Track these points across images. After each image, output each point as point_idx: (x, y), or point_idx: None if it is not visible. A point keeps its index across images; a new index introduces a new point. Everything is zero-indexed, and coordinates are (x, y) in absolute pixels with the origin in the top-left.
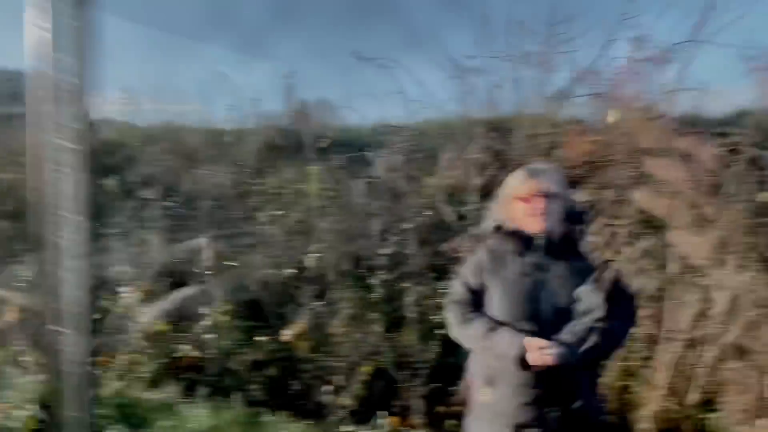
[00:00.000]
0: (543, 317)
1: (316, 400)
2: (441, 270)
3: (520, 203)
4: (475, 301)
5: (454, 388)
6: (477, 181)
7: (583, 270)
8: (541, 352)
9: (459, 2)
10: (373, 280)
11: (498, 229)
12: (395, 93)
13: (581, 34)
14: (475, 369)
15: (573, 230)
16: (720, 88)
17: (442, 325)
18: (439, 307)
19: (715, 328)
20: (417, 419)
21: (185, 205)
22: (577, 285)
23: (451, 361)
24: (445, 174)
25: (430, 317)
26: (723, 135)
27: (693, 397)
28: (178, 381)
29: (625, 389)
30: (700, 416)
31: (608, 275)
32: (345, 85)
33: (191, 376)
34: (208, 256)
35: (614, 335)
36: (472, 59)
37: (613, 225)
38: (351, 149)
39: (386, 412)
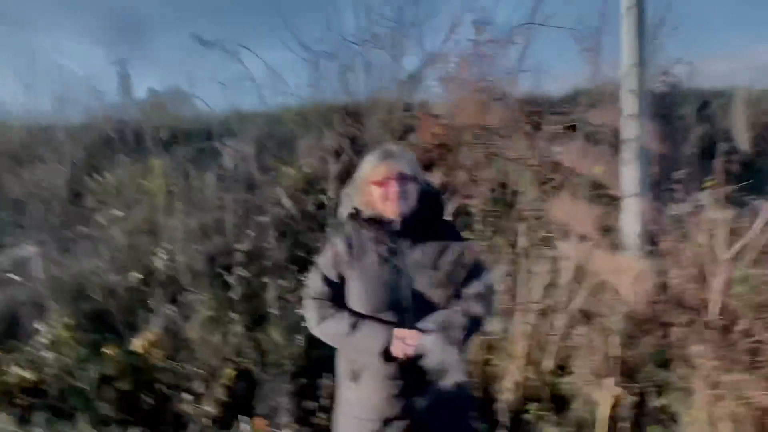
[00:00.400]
0: (405, 305)
1: (174, 411)
2: (303, 262)
3: (375, 187)
4: (335, 294)
5: (323, 381)
6: (334, 168)
7: (442, 252)
8: (405, 343)
9: None
10: (231, 278)
11: (354, 215)
12: (245, 79)
13: (428, 18)
14: (339, 364)
15: (430, 212)
16: (557, 69)
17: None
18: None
19: (563, 296)
20: (284, 418)
21: (9, 209)
22: (438, 269)
23: (318, 354)
24: (302, 162)
25: (295, 311)
26: (562, 114)
27: (548, 364)
28: (12, 407)
29: (486, 362)
30: (556, 382)
31: (467, 255)
32: (193, 72)
33: (27, 400)
34: (36, 264)
35: (475, 321)
36: (323, 43)
37: (466, 204)
38: (200, 140)
39: (247, 417)
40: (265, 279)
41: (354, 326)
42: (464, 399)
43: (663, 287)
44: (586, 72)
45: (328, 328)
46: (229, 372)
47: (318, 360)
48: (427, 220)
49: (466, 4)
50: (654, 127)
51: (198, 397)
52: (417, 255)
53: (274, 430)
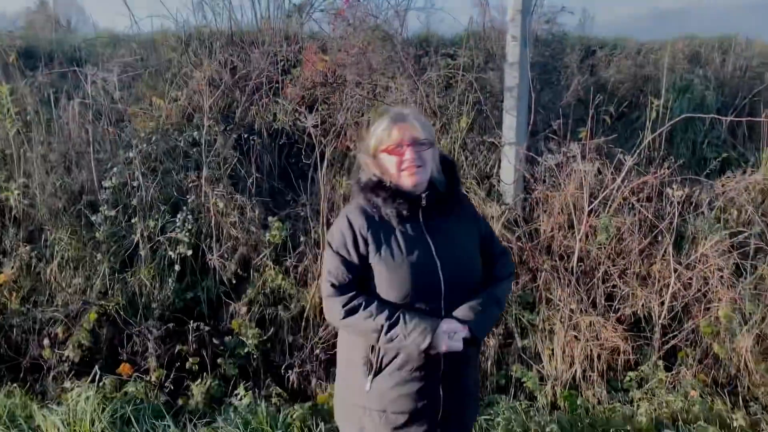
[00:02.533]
0: (437, 291)
1: (31, 357)
2: (175, 202)
3: (387, 155)
4: (358, 278)
5: (192, 325)
6: (209, 101)
7: (468, 229)
8: (453, 336)
9: None
10: (96, 217)
11: (374, 187)
12: None
13: None
14: (350, 354)
15: (450, 184)
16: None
17: (178, 260)
18: (173, 241)
19: None
20: (152, 363)
21: None
22: (466, 247)
23: (189, 296)
24: (177, 93)
25: (167, 252)
26: (450, 56)
27: None
28: None
29: None
30: None
31: (486, 231)
32: None
33: None
34: None
35: (502, 301)
36: None
37: (347, 147)
38: (60, 64)
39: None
40: (134, 219)
41: (392, 320)
42: (477, 387)
43: (533, 234)
44: (476, 14)
45: (357, 322)
46: (91, 315)
47: (188, 303)
48: (448, 194)
49: None
50: (536, 75)
51: (57, 343)
52: (444, 233)
53: (143, 375)
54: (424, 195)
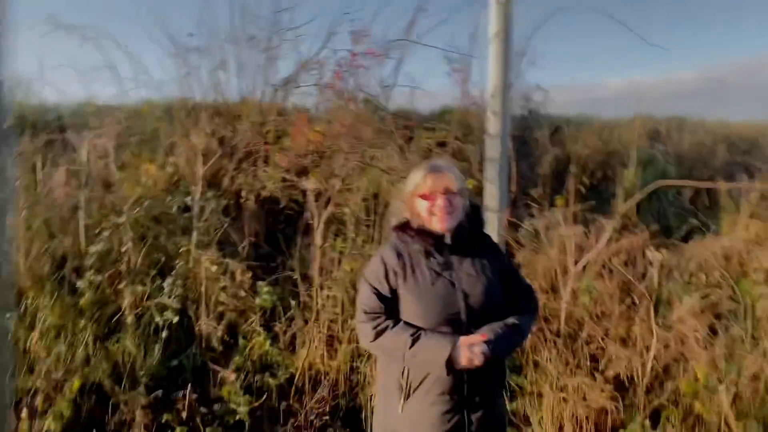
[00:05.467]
0: (460, 319)
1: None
2: (162, 267)
3: (421, 200)
4: (388, 308)
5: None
6: (201, 169)
7: (490, 265)
8: (472, 349)
9: None
10: (81, 283)
11: (403, 227)
12: (105, 68)
13: (304, 23)
14: (386, 380)
15: (473, 225)
16: (428, 86)
17: (165, 326)
18: (160, 307)
19: None
20: None
21: None
22: (488, 281)
23: (174, 364)
24: (166, 161)
25: (152, 319)
26: (431, 129)
27: None
28: None
29: (353, 370)
30: None
31: (509, 267)
32: (42, 56)
33: None
34: None
35: (525, 330)
36: (193, 38)
37: (339, 212)
38: (49, 131)
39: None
40: (120, 285)
41: (415, 337)
42: (503, 416)
43: None
44: (455, 91)
45: (386, 342)
46: (74, 384)
47: (175, 371)
48: (472, 233)
49: (345, 14)
50: (513, 148)
51: (37, 414)
52: (468, 268)
53: None
54: (448, 234)
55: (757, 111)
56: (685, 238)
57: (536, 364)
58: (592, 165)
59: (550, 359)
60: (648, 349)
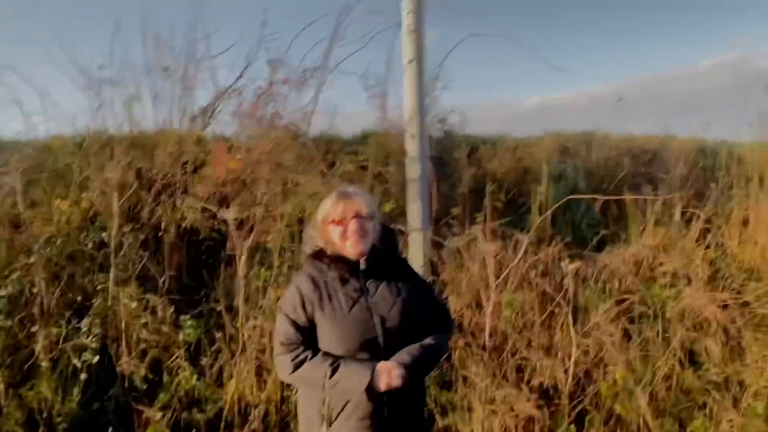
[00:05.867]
0: (378, 343)
1: None
2: (79, 307)
3: (334, 226)
4: (305, 338)
5: None
6: (117, 203)
7: (404, 287)
8: (390, 374)
9: (85, 7)
10: None
11: (317, 255)
12: (10, 103)
13: (221, 53)
14: (306, 409)
15: (387, 249)
16: (348, 111)
17: (84, 368)
18: (78, 348)
19: None
20: None
21: None
22: (404, 304)
23: (95, 407)
24: (79, 197)
25: (71, 361)
26: (353, 153)
27: None
28: None
29: (283, 400)
30: None
31: (424, 289)
32: None
33: None
34: None
35: (442, 348)
36: (104, 70)
37: (264, 240)
38: None
39: None
40: (33, 327)
41: (334, 367)
42: (426, 427)
43: None
44: (374, 116)
45: (305, 373)
46: None
47: (96, 414)
48: (386, 256)
49: (261, 43)
50: (433, 168)
51: None
52: (383, 292)
53: None
54: (362, 259)
55: (657, 123)
56: (598, 248)
57: (465, 379)
58: (508, 182)
59: (478, 373)
60: (569, 356)
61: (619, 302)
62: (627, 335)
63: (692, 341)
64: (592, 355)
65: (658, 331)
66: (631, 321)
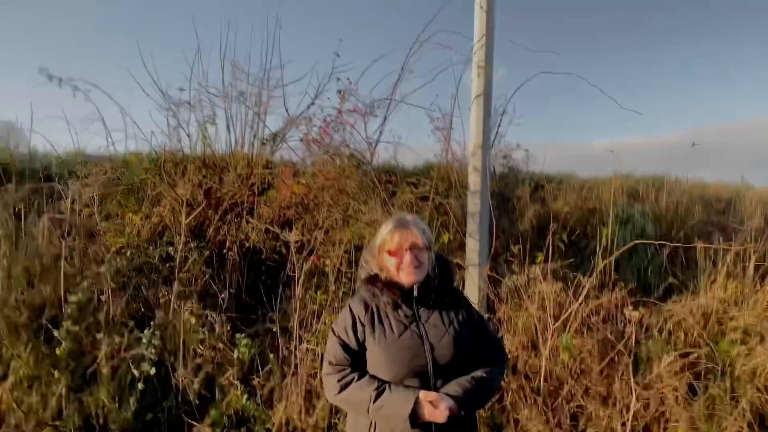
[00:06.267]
0: (427, 371)
1: None
2: (142, 317)
3: (390, 257)
4: (354, 360)
5: None
6: (186, 220)
7: (458, 317)
8: (435, 407)
9: (170, 32)
10: (58, 332)
11: (371, 279)
12: (93, 119)
13: (293, 81)
14: (353, 430)
15: (441, 279)
16: (412, 143)
17: (141, 379)
18: (137, 358)
19: None
20: None
21: None
22: (456, 333)
23: (149, 417)
24: (151, 212)
25: (130, 370)
26: (414, 184)
27: None
28: None
29: (330, 427)
30: None
31: (478, 320)
32: (36, 108)
33: None
34: None
35: (494, 383)
36: (183, 92)
37: (322, 264)
38: (34, 180)
39: None
40: (98, 335)
41: (379, 391)
42: None
43: None
44: (437, 148)
45: (351, 395)
46: None
47: (149, 424)
48: (440, 286)
49: (332, 72)
50: (495, 204)
51: None
52: (435, 321)
53: None
54: (416, 286)
55: (731, 172)
56: (663, 297)
57: (516, 422)
58: (572, 222)
59: (530, 417)
60: (628, 408)
61: (684, 355)
62: (691, 391)
63: (763, 403)
64: (652, 410)
65: (725, 390)
66: (697, 376)
